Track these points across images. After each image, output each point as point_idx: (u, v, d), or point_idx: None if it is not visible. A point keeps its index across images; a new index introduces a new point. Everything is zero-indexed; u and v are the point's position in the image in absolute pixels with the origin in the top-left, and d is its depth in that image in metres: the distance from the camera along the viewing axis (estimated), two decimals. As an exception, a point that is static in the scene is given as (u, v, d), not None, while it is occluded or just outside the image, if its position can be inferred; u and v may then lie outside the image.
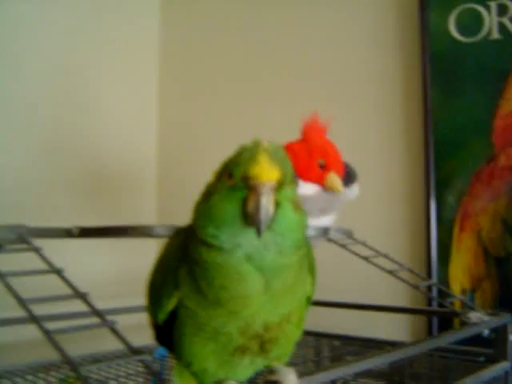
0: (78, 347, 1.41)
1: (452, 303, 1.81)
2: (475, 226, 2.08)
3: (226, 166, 0.91)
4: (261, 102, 2.67)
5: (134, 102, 2.89)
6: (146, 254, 2.88)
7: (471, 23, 2.16)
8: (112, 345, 1.97)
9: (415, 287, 1.69)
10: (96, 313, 1.01)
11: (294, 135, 1.65)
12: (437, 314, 2.01)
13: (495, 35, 2.11)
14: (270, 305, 0.90)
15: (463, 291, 2.06)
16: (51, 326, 0.96)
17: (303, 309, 1.01)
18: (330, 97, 2.45)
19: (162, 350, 1.86)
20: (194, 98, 2.94)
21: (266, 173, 0.83)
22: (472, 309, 1.59)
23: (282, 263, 0.88)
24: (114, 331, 0.96)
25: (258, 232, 0.81)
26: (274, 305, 0.91)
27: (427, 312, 2.04)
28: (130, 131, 2.85)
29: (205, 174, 2.84)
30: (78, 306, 1.09)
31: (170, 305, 0.95)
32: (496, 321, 1.58)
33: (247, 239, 0.84)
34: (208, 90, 2.89)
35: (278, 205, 0.84)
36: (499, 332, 1.64)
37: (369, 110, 2.36)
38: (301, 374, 0.99)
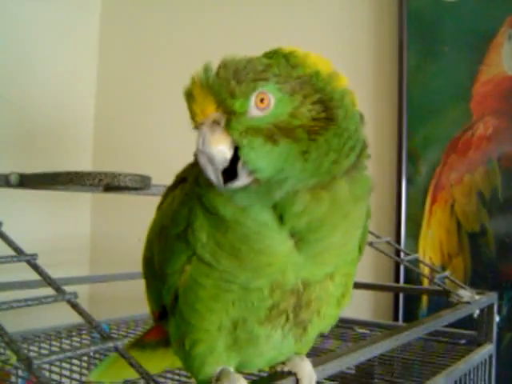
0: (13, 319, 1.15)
1: (432, 280, 1.65)
2: (448, 199, 1.94)
3: None
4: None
5: (74, 55, 2.63)
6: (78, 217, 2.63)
7: (453, -20, 2.00)
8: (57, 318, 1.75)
9: (399, 261, 1.52)
10: (49, 281, 0.76)
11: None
12: (426, 292, 1.83)
13: (479, -5, 1.95)
14: (310, 262, 0.70)
15: (438, 269, 1.92)
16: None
17: (349, 273, 0.79)
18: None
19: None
20: (133, 55, 2.69)
21: (200, 106, 0.64)
22: (461, 287, 1.44)
23: (312, 206, 0.66)
24: (76, 307, 0.71)
25: (214, 184, 0.64)
26: (315, 264, 0.71)
27: (415, 290, 1.85)
28: (69, 83, 2.59)
29: (144, 128, 2.57)
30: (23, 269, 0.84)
31: (183, 258, 0.73)
32: (486, 300, 1.44)
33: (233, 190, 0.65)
34: (149, 46, 2.64)
35: (237, 142, 0.63)
36: (484, 313, 1.51)
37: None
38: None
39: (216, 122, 0.63)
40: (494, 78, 1.91)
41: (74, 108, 2.63)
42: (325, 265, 0.72)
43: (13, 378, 1.36)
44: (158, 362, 1.00)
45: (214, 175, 0.62)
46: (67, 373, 1.44)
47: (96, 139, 2.71)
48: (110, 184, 1.05)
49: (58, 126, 2.49)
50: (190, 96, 0.65)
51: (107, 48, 2.75)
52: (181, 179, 0.81)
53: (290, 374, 0.77)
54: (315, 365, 0.80)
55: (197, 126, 0.64)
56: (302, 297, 0.73)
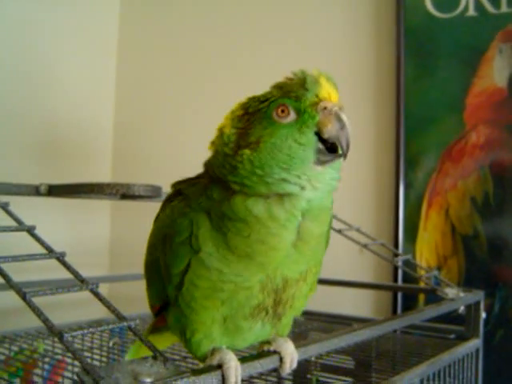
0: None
1: (421, 279, 1.77)
2: (443, 204, 2.06)
3: (265, 105, 0.83)
4: (221, 69, 2.58)
5: (92, 69, 2.78)
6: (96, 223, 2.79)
7: (448, -1, 2.13)
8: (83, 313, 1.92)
9: (390, 262, 1.65)
10: (75, 274, 0.90)
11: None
12: (415, 290, 1.97)
13: (471, 12, 2.08)
14: (294, 257, 0.85)
15: (428, 269, 2.05)
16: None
17: (317, 272, 0.94)
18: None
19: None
20: (151, 68, 2.83)
21: (335, 93, 0.82)
22: (448, 285, 1.57)
23: (326, 205, 0.85)
24: (97, 295, 0.86)
25: (346, 152, 0.81)
26: (297, 259, 0.85)
27: (405, 288, 2.00)
28: (87, 95, 2.74)
29: (159, 140, 2.69)
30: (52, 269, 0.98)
31: (186, 261, 0.87)
32: (471, 297, 1.57)
33: (316, 178, 0.81)
34: (166, 60, 2.79)
35: None
36: (472, 309, 1.63)
37: (339, 83, 2.29)
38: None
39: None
40: (486, 89, 2.03)
41: (93, 119, 2.76)
42: (304, 258, 0.87)
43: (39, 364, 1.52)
44: (168, 340, 1.21)
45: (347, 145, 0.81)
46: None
47: (114, 148, 2.85)
48: (126, 193, 1.21)
49: (78, 136, 2.63)
50: (319, 82, 0.81)
51: (125, 59, 2.88)
52: (175, 193, 0.96)
53: (274, 352, 0.91)
54: (297, 346, 0.94)
55: (327, 107, 0.80)
56: (281, 295, 0.88)
